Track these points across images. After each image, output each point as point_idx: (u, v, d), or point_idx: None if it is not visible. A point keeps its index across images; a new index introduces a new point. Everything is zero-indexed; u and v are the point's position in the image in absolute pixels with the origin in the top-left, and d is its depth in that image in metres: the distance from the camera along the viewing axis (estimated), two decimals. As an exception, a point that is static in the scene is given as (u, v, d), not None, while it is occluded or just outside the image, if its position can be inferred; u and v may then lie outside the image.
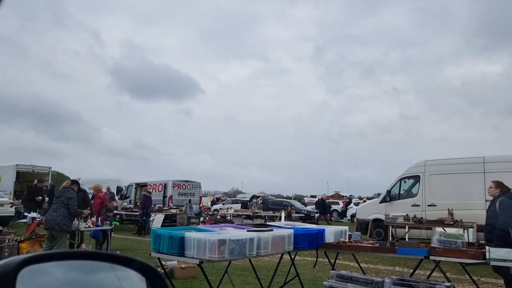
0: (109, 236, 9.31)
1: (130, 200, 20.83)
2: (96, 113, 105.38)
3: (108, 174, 35.04)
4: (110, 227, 9.39)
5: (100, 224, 8.96)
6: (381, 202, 13.58)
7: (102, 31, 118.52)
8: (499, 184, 6.78)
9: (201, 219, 17.53)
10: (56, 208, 7.42)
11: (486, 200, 11.40)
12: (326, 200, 25.35)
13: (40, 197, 14.48)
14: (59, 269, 0.92)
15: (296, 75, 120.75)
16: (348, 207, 26.47)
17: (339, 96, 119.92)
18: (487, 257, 3.91)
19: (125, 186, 22.44)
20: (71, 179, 9.32)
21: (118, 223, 15.29)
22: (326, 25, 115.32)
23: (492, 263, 3.89)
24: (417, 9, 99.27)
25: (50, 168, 22.50)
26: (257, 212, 19.54)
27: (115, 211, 17.36)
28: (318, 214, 23.08)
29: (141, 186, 21.41)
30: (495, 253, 3.79)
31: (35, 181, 17.72)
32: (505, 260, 3.80)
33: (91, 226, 8.57)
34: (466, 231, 10.00)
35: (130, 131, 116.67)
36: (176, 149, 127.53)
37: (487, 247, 3.96)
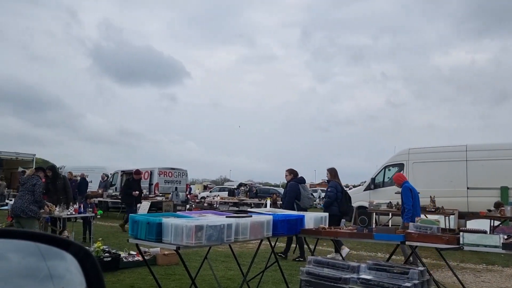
0: (91, 224, 9.27)
1: (116, 188, 20.70)
2: (78, 97, 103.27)
3: (94, 161, 34.63)
4: (92, 214, 9.33)
5: (82, 211, 8.89)
6: (365, 190, 13.72)
7: (79, 10, 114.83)
8: (291, 171, 8.11)
9: (188, 206, 17.55)
10: (21, 195, 7.22)
11: (468, 188, 11.58)
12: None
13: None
14: None
15: (283, 62, 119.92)
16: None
17: (327, 83, 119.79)
18: (461, 242, 3.97)
19: (110, 174, 22.29)
20: (47, 166, 9.20)
21: (101, 212, 15.20)
22: (314, 9, 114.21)
23: (466, 247, 3.95)
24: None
25: (34, 155, 22.17)
26: (243, 200, 19.61)
27: (101, 199, 17.28)
28: None
29: (127, 173, 21.27)
30: (468, 238, 3.85)
31: (19, 168, 17.38)
32: (478, 245, 3.86)
33: (73, 213, 8.50)
34: (447, 217, 10.19)
35: (113, 116, 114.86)
36: (162, 135, 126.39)
37: (461, 233, 4.01)
